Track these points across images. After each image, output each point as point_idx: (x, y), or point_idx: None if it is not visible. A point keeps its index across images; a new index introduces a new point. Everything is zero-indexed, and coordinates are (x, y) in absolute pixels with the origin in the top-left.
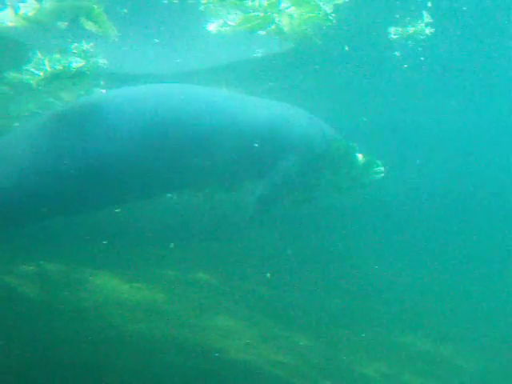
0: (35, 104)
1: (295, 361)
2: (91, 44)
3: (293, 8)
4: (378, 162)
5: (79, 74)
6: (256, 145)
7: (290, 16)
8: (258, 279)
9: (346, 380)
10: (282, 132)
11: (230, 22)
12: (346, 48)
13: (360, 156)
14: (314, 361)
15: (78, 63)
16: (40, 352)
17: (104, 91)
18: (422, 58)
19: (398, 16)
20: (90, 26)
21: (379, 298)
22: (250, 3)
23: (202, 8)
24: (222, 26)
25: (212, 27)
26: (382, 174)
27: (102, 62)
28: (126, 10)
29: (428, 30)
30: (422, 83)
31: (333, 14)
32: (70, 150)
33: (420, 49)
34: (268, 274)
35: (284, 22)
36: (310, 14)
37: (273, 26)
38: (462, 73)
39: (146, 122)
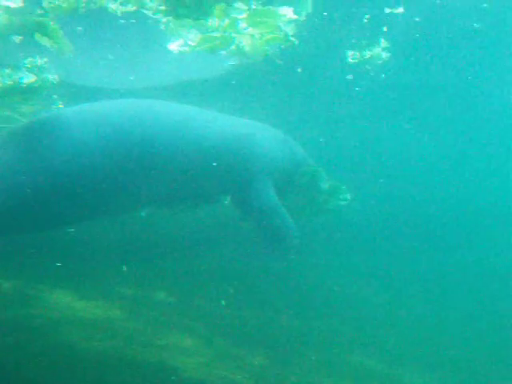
0: None
1: (251, 380)
2: (45, 59)
3: (251, 29)
4: (344, 188)
5: (30, 90)
6: (216, 163)
7: (252, 36)
8: (215, 297)
9: None
10: (249, 151)
11: (190, 42)
12: (299, 70)
13: (326, 182)
14: (271, 380)
15: (29, 79)
16: None
17: (61, 106)
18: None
19: (354, 41)
20: (45, 41)
21: (337, 318)
22: (210, 23)
23: (162, 27)
24: (182, 46)
25: (173, 46)
26: (347, 201)
27: (52, 77)
28: (80, 28)
29: (385, 55)
30: (374, 106)
31: (292, 37)
32: (27, 167)
33: (372, 73)
34: (231, 290)
35: (245, 43)
36: (272, 35)
37: (233, 47)
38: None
39: (107, 138)
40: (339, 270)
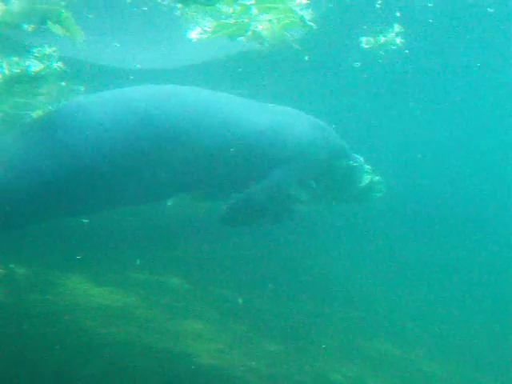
0: (7, 105)
1: (266, 366)
2: (53, 48)
3: (266, 15)
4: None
5: (39, 78)
6: (245, 151)
7: (270, 21)
8: (230, 284)
9: None
10: (278, 140)
11: (206, 29)
12: (306, 58)
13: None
14: (285, 366)
15: (36, 67)
16: (8, 355)
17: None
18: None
19: (365, 27)
20: (57, 29)
21: (350, 304)
22: (224, 10)
23: (177, 13)
24: (200, 34)
25: (193, 35)
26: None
27: (56, 65)
28: (92, 16)
29: (399, 40)
30: (382, 92)
31: (310, 21)
32: (50, 155)
33: (380, 60)
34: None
35: (261, 28)
36: (288, 20)
37: (249, 32)
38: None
39: (130, 126)
40: (352, 258)
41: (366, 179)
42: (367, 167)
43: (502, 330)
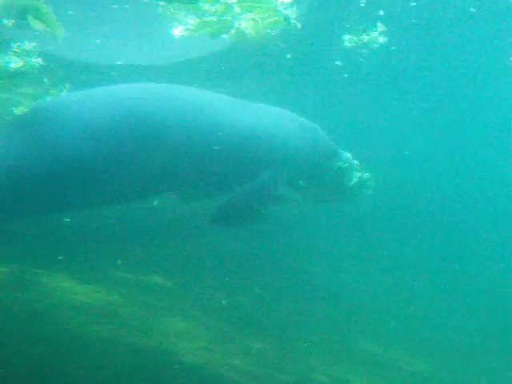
0: None
1: (249, 364)
2: (33, 44)
3: (248, 14)
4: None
5: (19, 74)
6: (231, 152)
7: (254, 20)
8: (213, 282)
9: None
10: (266, 140)
11: (189, 27)
12: (289, 56)
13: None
14: (268, 364)
15: (16, 63)
16: None
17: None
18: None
19: (348, 25)
20: (37, 24)
21: (333, 303)
22: (206, 8)
23: (160, 10)
24: (183, 31)
25: (176, 32)
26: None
27: (35, 61)
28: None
29: (381, 39)
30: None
31: (294, 19)
32: (34, 153)
33: (361, 59)
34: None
35: (245, 26)
36: (272, 19)
37: (233, 31)
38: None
39: (118, 124)
40: (336, 256)
41: (356, 177)
42: (355, 163)
43: (485, 328)
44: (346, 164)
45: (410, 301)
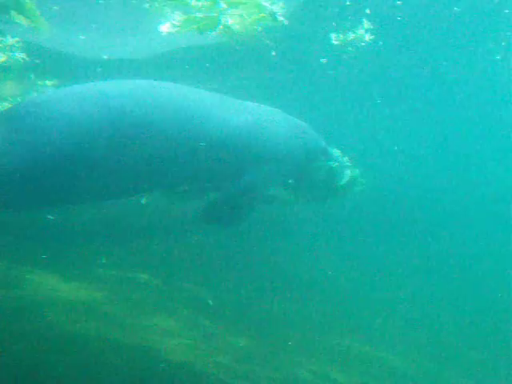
0: None
1: (235, 362)
2: (16, 39)
3: (234, 10)
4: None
5: (2, 69)
6: (215, 151)
7: (240, 16)
8: (198, 281)
9: (286, 381)
10: (254, 139)
11: (175, 23)
12: (273, 53)
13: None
14: (254, 362)
15: None
16: None
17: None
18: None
19: (334, 24)
20: (21, 20)
21: (319, 301)
22: (193, 4)
23: (146, 6)
24: (171, 27)
25: (163, 28)
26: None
27: (19, 56)
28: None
29: (368, 37)
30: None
31: (281, 16)
32: (18, 149)
33: (345, 57)
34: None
35: (232, 22)
36: (261, 15)
37: (220, 27)
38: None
39: (102, 120)
40: (324, 253)
41: (347, 175)
42: (345, 159)
43: (471, 326)
44: (337, 162)
45: (399, 299)
